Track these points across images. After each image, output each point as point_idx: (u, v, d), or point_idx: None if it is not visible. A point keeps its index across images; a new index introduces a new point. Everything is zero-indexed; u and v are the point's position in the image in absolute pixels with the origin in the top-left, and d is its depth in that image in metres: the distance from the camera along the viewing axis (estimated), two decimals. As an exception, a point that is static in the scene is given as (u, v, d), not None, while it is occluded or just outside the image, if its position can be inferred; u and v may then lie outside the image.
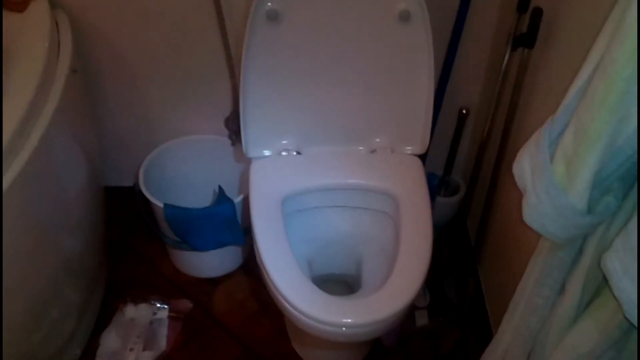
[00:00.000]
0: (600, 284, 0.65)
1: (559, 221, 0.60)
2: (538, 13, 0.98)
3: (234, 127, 1.36)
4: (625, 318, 0.53)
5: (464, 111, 1.37)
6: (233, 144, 1.40)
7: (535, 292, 0.75)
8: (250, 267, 1.51)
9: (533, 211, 0.62)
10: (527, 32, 1.01)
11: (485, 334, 1.31)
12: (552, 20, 0.98)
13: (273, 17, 1.02)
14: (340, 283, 1.30)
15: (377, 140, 1.22)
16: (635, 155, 0.54)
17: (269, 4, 1.01)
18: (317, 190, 1.18)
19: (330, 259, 1.25)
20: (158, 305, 1.39)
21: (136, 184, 1.33)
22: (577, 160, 0.56)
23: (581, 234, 0.63)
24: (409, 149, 1.23)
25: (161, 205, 1.26)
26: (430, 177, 1.25)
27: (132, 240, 1.58)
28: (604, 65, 0.52)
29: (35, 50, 1.03)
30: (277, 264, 1.02)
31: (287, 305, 0.98)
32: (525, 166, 0.64)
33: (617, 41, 0.50)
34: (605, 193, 0.59)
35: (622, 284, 0.51)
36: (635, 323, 0.50)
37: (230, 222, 1.31)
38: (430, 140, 1.21)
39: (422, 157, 1.24)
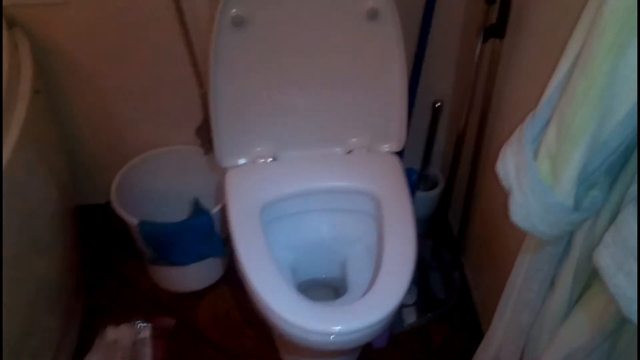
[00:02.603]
0: (591, 277, 0.64)
1: (547, 219, 0.59)
2: (506, 3, 0.98)
3: (205, 136, 1.32)
4: (621, 312, 0.53)
5: (438, 104, 1.36)
6: (206, 153, 1.36)
7: (525, 287, 0.74)
8: (232, 278, 1.47)
9: (520, 210, 0.61)
10: (496, 23, 1.01)
11: (474, 327, 1.32)
12: (520, 10, 0.98)
13: (238, 23, 0.99)
14: (326, 288, 1.28)
15: (354, 140, 1.21)
16: (621, 148, 0.54)
17: (234, 10, 0.98)
18: (296, 195, 1.16)
19: (315, 264, 1.23)
20: (140, 324, 1.34)
21: (109, 202, 1.29)
22: (562, 157, 0.55)
23: (570, 230, 0.62)
24: (386, 147, 1.22)
25: (136, 222, 1.23)
26: (409, 173, 1.25)
27: (109, 259, 1.53)
28: (582, 60, 0.51)
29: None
30: (259, 274, 0.99)
31: (272, 315, 0.95)
32: (509, 165, 0.63)
33: (594, 36, 0.49)
34: (591, 188, 0.58)
35: (617, 280, 0.50)
36: (634, 319, 0.49)
37: (208, 234, 1.28)
38: (407, 136, 1.20)
39: (400, 153, 1.23)
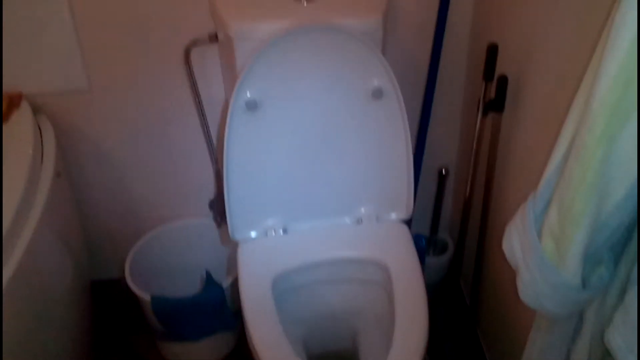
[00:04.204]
0: (606, 353, 0.64)
1: (556, 298, 0.60)
2: (504, 80, 1.03)
3: (218, 209, 1.36)
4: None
5: (444, 171, 1.39)
6: (219, 226, 1.39)
7: (540, 362, 0.74)
8: (243, 351, 1.46)
9: (528, 290, 0.62)
10: (495, 99, 1.05)
11: (492, 398, 1.28)
12: (517, 86, 1.03)
13: (252, 106, 1.05)
14: (337, 359, 1.26)
15: (362, 209, 1.23)
16: (621, 228, 0.56)
17: (248, 94, 1.04)
18: (307, 267, 1.17)
19: (326, 336, 1.22)
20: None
21: (122, 279, 1.30)
22: (565, 238, 0.57)
23: (579, 309, 0.63)
24: (394, 216, 1.23)
25: (148, 298, 1.23)
26: (417, 238, 1.25)
27: (120, 333, 1.52)
28: (576, 148, 0.54)
29: (19, 158, 1.03)
30: (271, 349, 0.99)
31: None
32: (515, 243, 0.65)
33: (585, 126, 0.52)
34: (596, 265, 0.59)
35: (628, 361, 0.51)
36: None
37: (219, 307, 1.28)
38: (414, 203, 1.23)
39: (407, 221, 1.24)
